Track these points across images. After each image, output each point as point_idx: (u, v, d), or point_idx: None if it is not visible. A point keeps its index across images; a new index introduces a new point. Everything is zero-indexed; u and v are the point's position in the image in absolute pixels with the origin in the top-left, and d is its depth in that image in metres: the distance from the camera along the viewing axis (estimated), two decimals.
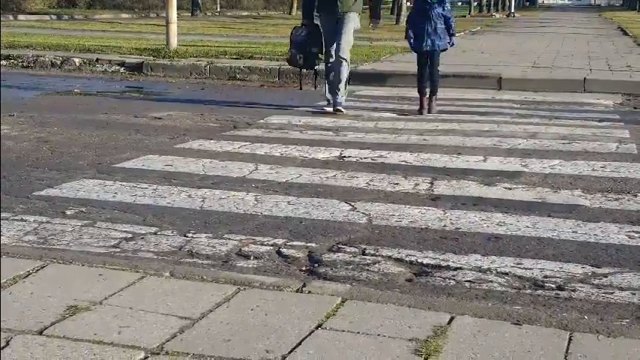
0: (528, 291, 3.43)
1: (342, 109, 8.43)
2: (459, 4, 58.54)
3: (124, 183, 5.21)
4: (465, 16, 36.49)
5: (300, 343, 2.63)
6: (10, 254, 3.44)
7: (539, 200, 4.96)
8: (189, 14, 33.27)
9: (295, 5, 35.81)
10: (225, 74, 12.06)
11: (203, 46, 15.00)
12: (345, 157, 6.23)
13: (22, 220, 4.33)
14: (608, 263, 3.78)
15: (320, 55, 8.63)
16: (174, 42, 13.72)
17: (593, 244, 4.06)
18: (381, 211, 4.64)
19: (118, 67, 12.72)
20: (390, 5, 37.03)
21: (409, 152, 6.42)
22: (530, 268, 3.69)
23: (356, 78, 11.54)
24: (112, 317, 2.80)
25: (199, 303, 2.95)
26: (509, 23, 33.23)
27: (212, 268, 3.59)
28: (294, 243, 4.04)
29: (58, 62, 13.02)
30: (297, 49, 8.69)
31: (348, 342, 2.64)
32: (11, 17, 25.50)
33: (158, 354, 2.53)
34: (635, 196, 5.08)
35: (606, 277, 3.60)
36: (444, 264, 3.75)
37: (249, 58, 13.27)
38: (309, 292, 3.10)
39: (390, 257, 3.84)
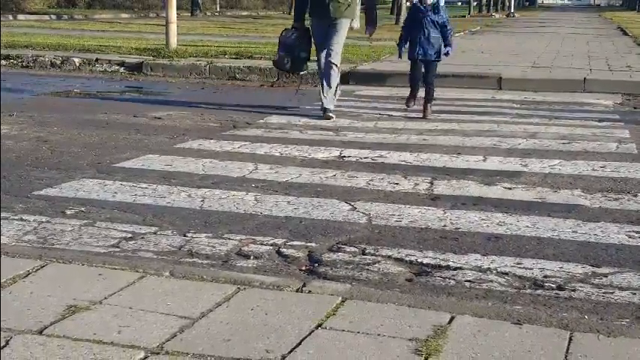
0: (528, 291, 3.43)
1: (332, 115, 8.14)
2: (459, 4, 58.57)
3: (123, 183, 5.21)
4: (464, 16, 36.49)
5: (300, 343, 2.63)
6: (10, 254, 3.44)
7: (539, 200, 4.96)
8: (189, 14, 33.23)
9: (295, 5, 35.72)
10: (225, 74, 12.06)
11: (203, 45, 14.99)
12: (344, 156, 6.22)
13: (21, 219, 4.33)
14: (608, 263, 3.78)
15: (308, 61, 8.45)
16: (173, 42, 13.71)
17: (593, 244, 4.06)
18: (381, 210, 4.64)
19: (117, 67, 12.71)
20: (390, 5, 37.03)
21: (409, 152, 6.42)
22: (530, 268, 3.69)
23: (356, 78, 11.60)
24: (111, 317, 2.80)
25: (199, 303, 2.95)
26: (509, 23, 33.23)
27: (212, 268, 3.59)
28: (294, 243, 4.04)
29: (58, 62, 13.01)
30: (285, 52, 8.46)
31: (348, 342, 2.64)
32: (11, 17, 25.48)
33: (158, 354, 2.53)
34: (635, 196, 5.08)
35: (606, 276, 3.60)
36: (444, 264, 3.75)
37: (248, 57, 13.27)
38: (309, 291, 3.10)
39: (390, 257, 3.84)
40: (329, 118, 8.11)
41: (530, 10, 60.10)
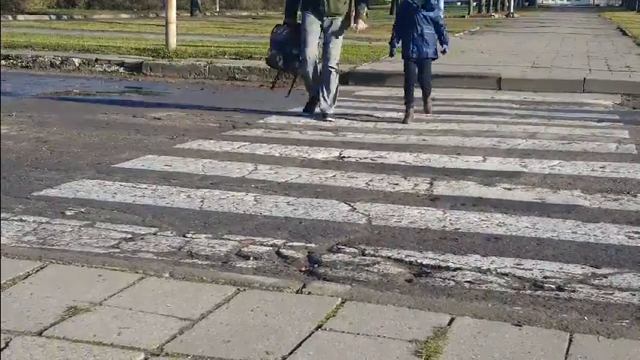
0: (528, 291, 3.43)
1: (331, 119, 8.03)
2: (458, 4, 58.53)
3: (123, 183, 5.20)
4: (464, 17, 36.48)
5: (299, 345, 2.62)
6: (10, 255, 3.44)
7: (539, 200, 4.96)
8: (189, 14, 33.22)
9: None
10: (225, 74, 12.06)
11: (202, 46, 14.99)
12: (344, 157, 6.22)
13: (21, 220, 4.33)
14: (607, 264, 3.78)
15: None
16: (173, 42, 13.71)
17: (592, 245, 4.06)
18: (381, 211, 4.64)
19: (117, 67, 12.70)
20: (390, 5, 37.01)
21: (408, 152, 6.42)
22: (529, 269, 3.69)
23: (355, 78, 11.59)
24: (111, 318, 2.80)
25: (199, 304, 2.95)
26: (509, 23, 33.22)
27: (211, 269, 3.59)
28: (294, 243, 4.04)
29: (57, 62, 13.00)
30: (277, 50, 8.15)
31: (347, 343, 2.64)
32: (10, 17, 25.47)
33: (158, 355, 2.53)
34: (635, 196, 5.08)
35: (606, 277, 3.60)
36: (443, 264, 3.74)
37: (248, 58, 13.26)
38: (309, 292, 3.10)
39: (389, 258, 3.84)
40: (329, 121, 7.98)
41: (530, 11, 60.08)
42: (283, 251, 3.92)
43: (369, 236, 4.18)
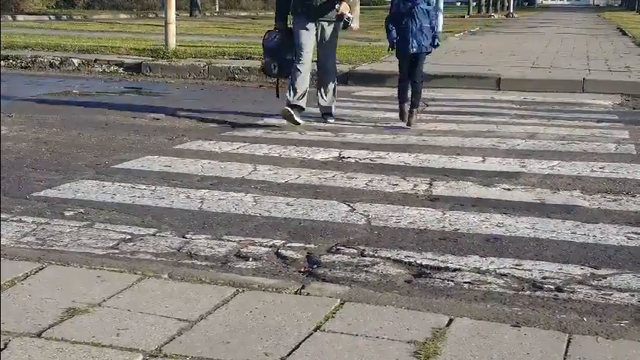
0: (527, 292, 3.43)
1: (332, 119, 7.98)
2: (458, 4, 58.54)
3: (122, 184, 5.20)
4: (463, 17, 36.46)
5: (298, 345, 2.63)
6: (9, 256, 3.44)
7: (538, 201, 4.96)
8: (188, 14, 33.22)
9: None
10: (224, 75, 12.06)
11: (202, 46, 14.99)
12: (344, 157, 6.22)
13: (20, 221, 4.33)
14: (607, 264, 3.78)
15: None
16: (172, 42, 13.71)
17: (592, 245, 4.06)
18: (380, 212, 4.64)
19: (116, 68, 12.71)
20: (390, 5, 36.96)
21: (408, 153, 6.42)
22: (529, 270, 3.69)
23: (354, 78, 11.59)
24: (110, 319, 2.80)
25: (198, 305, 2.95)
26: (508, 23, 33.22)
27: (211, 270, 3.59)
28: (293, 244, 4.04)
29: (57, 63, 13.00)
30: (270, 57, 7.84)
31: (346, 344, 2.64)
32: (10, 17, 25.46)
33: (156, 356, 2.53)
34: (634, 197, 5.08)
35: (605, 278, 3.60)
36: (442, 265, 3.74)
37: (247, 58, 13.26)
38: (308, 293, 3.10)
39: (388, 258, 3.83)
40: (329, 122, 7.94)
41: (530, 11, 60.05)
42: (282, 252, 3.92)
43: (368, 237, 4.18)
